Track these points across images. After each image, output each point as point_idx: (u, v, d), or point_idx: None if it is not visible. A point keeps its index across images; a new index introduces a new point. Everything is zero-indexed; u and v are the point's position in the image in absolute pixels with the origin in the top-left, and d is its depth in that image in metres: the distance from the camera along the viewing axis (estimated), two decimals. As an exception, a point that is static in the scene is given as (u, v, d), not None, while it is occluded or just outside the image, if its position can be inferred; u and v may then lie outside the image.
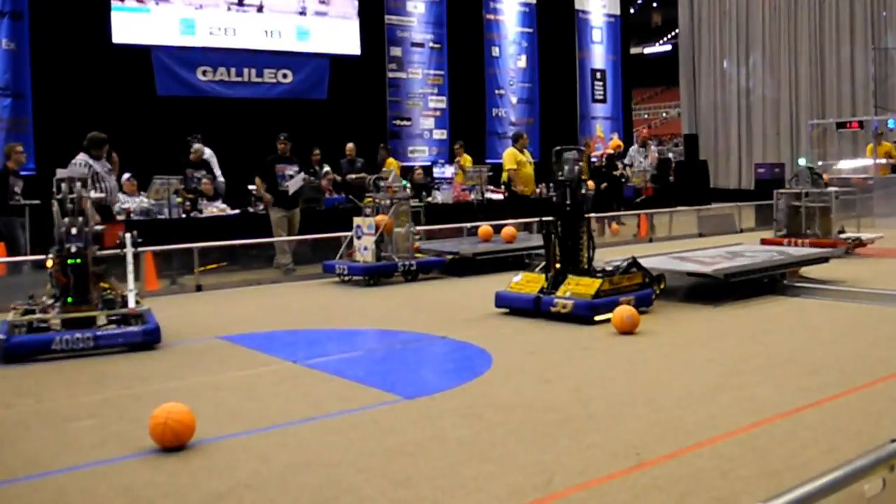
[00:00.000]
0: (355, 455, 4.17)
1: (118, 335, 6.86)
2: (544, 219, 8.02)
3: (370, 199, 10.64)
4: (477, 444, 4.31)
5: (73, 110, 13.36)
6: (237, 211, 12.51)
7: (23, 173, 11.64)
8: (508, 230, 11.69)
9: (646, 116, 25.30)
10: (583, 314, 7.33)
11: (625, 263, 7.91)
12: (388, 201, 10.50)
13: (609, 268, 7.95)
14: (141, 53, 14.97)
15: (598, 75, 22.04)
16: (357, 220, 10.56)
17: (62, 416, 5.04)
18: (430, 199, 14.11)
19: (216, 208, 12.31)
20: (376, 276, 10.20)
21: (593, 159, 17.18)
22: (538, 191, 14.11)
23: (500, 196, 14.25)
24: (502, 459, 4.08)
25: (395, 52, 18.16)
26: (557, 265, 7.87)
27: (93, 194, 7.71)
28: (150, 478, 3.97)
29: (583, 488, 3.70)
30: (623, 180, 16.33)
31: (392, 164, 14.70)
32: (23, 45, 13.87)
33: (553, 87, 20.74)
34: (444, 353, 6.68)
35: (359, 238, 10.43)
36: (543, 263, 8.09)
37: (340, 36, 17.06)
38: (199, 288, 10.20)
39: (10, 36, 13.79)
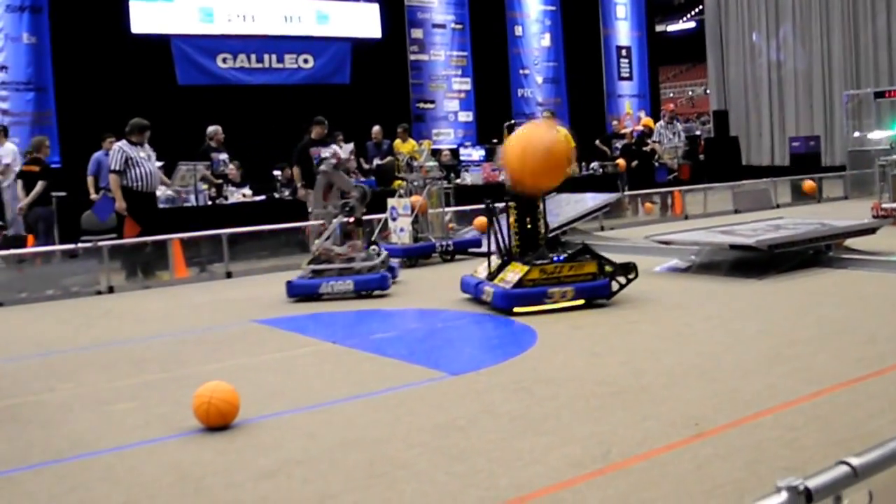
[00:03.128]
0: (405, 431, 4.07)
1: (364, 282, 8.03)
2: (488, 200, 7.34)
3: (399, 182, 10.47)
4: (529, 418, 4.19)
5: (95, 102, 13.37)
6: (263, 197, 12.43)
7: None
8: (481, 221, 10.91)
9: (671, 95, 24.96)
10: (500, 305, 6.68)
11: (572, 251, 7.07)
12: (421, 182, 10.32)
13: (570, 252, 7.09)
14: (160, 43, 14.93)
15: (624, 52, 21.74)
16: (391, 202, 10.37)
17: (103, 399, 4.99)
18: (458, 180, 13.94)
19: (241, 194, 12.22)
20: (415, 257, 10.09)
21: (622, 138, 16.95)
22: (572, 169, 13.86)
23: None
24: (557, 432, 3.96)
25: (417, 33, 17.97)
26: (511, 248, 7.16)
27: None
28: (197, 456, 3.90)
29: (643, 458, 3.58)
30: (655, 160, 15.98)
31: (399, 146, 14.16)
32: (43, 39, 13.88)
33: (578, 65, 20.48)
34: (487, 331, 6.54)
35: (394, 220, 10.24)
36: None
37: (361, 19, 16.92)
38: (229, 275, 10.15)
39: (31, 30, 13.80)
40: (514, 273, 6.78)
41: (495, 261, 7.28)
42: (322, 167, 8.46)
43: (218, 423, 4.23)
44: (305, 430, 4.16)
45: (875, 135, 17.96)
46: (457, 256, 10.41)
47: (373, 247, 8.49)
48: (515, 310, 6.60)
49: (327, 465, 3.66)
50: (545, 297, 6.64)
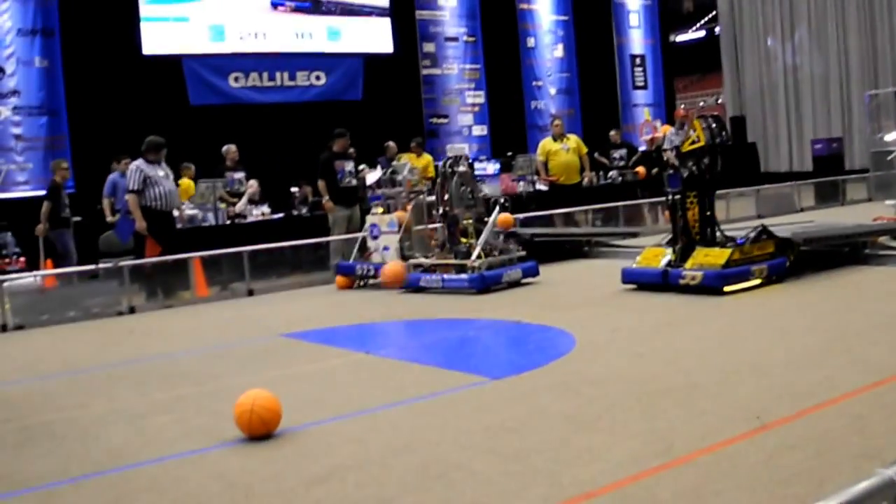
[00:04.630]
0: (454, 434, 3.94)
1: (455, 281, 8.56)
2: (670, 189, 7.79)
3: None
4: (581, 417, 4.06)
5: (109, 125, 13.29)
6: (281, 214, 12.35)
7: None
8: (504, 218, 9.89)
9: (682, 106, 24.83)
10: (713, 285, 7.12)
11: (754, 233, 7.60)
12: (404, 196, 9.61)
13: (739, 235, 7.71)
14: (172, 63, 14.88)
15: (638, 61, 21.62)
16: (372, 219, 9.66)
17: (138, 413, 4.87)
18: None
19: (260, 213, 12.14)
20: None
21: (642, 146, 16.81)
22: (586, 179, 13.78)
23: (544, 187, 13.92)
24: (613, 429, 3.84)
25: (429, 47, 17.90)
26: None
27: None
28: (243, 465, 3.78)
29: (708, 452, 3.46)
30: (669, 168, 15.81)
31: (414, 161, 13.96)
32: (55, 63, 13.82)
33: (592, 75, 20.37)
34: (522, 336, 6.41)
35: (375, 238, 9.51)
36: (669, 237, 7.98)
37: (372, 34, 16.86)
38: (250, 292, 10.03)
39: (43, 54, 13.72)
40: (714, 256, 7.30)
41: (657, 250, 7.88)
42: (460, 168, 9.03)
43: (260, 431, 4.10)
44: (352, 437, 4.04)
45: (893, 136, 17.74)
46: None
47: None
48: (726, 288, 7.09)
49: (379, 470, 3.54)
50: (749, 274, 7.23)
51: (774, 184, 16.77)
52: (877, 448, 3.34)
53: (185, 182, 11.96)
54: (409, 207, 9.57)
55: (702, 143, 7.57)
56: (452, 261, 8.81)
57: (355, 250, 9.75)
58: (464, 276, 8.54)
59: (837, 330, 5.61)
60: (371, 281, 9.47)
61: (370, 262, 9.44)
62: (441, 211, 9.16)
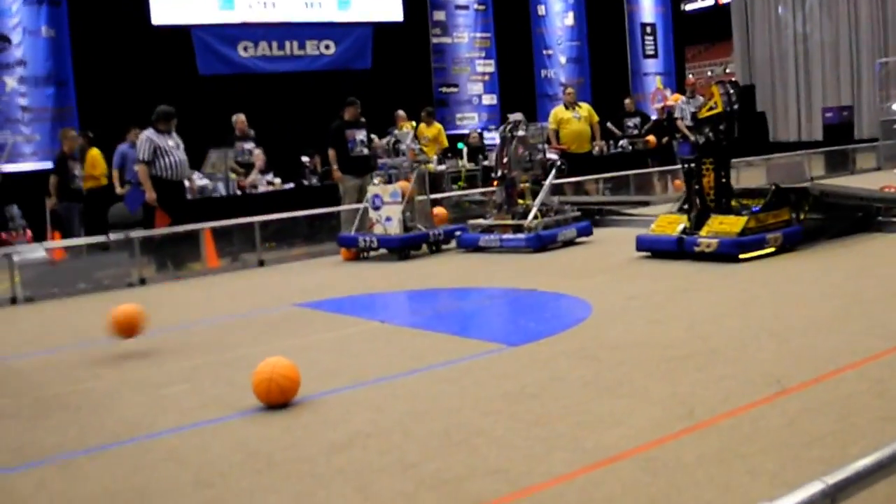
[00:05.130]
0: (474, 400, 3.93)
1: (512, 240, 8.90)
2: (685, 157, 7.82)
3: (429, 166, 10.13)
4: (602, 383, 4.05)
5: (117, 96, 13.19)
6: (291, 185, 12.29)
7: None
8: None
9: (690, 76, 24.58)
10: (728, 252, 7.15)
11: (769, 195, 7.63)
12: (408, 166, 9.50)
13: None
14: (181, 33, 14.72)
15: (648, 30, 21.36)
16: (373, 189, 9.56)
17: (153, 383, 4.86)
18: (486, 161, 13.76)
19: (266, 181, 12.06)
20: (408, 248, 9.32)
21: (653, 113, 16.67)
22: (597, 148, 13.67)
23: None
24: (633, 395, 3.82)
25: (439, 15, 17.69)
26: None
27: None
28: (263, 433, 3.77)
29: (730, 416, 3.45)
30: (677, 136, 15.69)
31: (424, 130, 13.96)
32: (62, 32, 13.66)
33: (602, 44, 20.13)
34: (538, 304, 6.38)
35: (376, 208, 9.39)
36: (681, 203, 8.00)
37: (382, 2, 16.65)
38: (261, 263, 10.01)
39: (50, 23, 13.52)
40: (730, 224, 7.31)
41: (672, 217, 7.88)
42: (519, 132, 9.31)
43: (279, 400, 4.09)
44: (371, 404, 4.03)
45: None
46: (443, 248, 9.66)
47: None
48: (741, 256, 7.11)
49: (401, 436, 3.53)
50: (764, 242, 7.26)
51: (784, 153, 16.64)
52: (900, 411, 3.32)
53: (93, 153, 11.67)
54: (412, 177, 9.46)
55: (719, 110, 7.51)
56: (510, 221, 9.13)
57: (356, 222, 9.67)
58: (521, 235, 8.87)
59: (853, 296, 5.59)
60: (374, 253, 9.43)
61: (372, 233, 9.37)
62: (500, 173, 9.43)
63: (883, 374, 3.86)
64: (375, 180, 9.63)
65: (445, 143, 14.02)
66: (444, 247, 9.61)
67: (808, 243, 7.66)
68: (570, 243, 9.05)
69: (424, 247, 9.53)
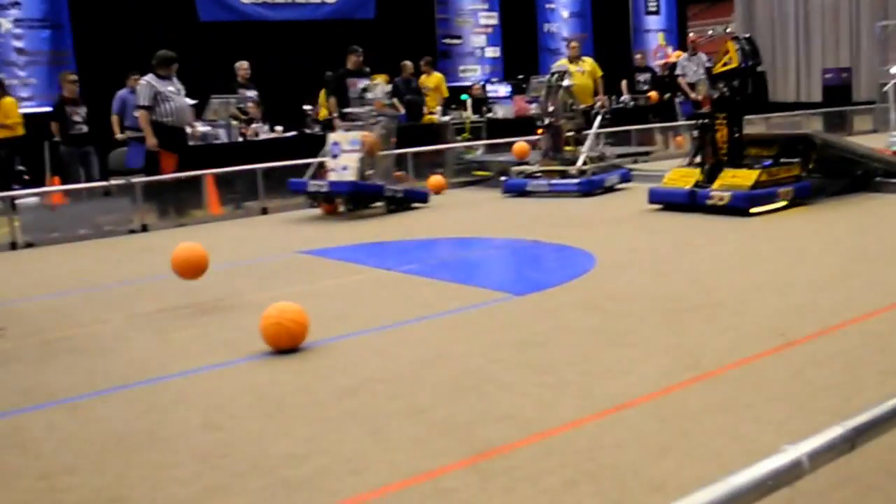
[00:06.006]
0: (483, 347, 3.97)
1: (561, 185, 9.27)
2: (700, 111, 7.96)
3: (431, 117, 10.09)
4: (609, 332, 4.09)
5: (115, 40, 12.97)
6: (293, 133, 12.22)
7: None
8: (520, 146, 11.12)
9: (690, 35, 24.36)
10: (740, 205, 7.23)
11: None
12: (370, 116, 9.11)
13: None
14: (181, -23, 14.51)
15: (651, -15, 21.15)
16: (334, 136, 9.17)
17: (160, 328, 4.89)
18: (490, 114, 13.69)
19: (268, 128, 11.97)
20: (361, 198, 8.96)
21: (656, 69, 16.55)
22: (599, 103, 13.59)
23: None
24: (640, 345, 3.87)
25: (443, -35, 17.48)
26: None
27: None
28: (271, 377, 3.81)
29: (736, 366, 3.50)
30: (678, 94, 15.56)
31: (425, 80, 13.85)
32: (57, -26, 13.45)
33: (605, -1, 19.97)
34: (542, 255, 6.42)
35: (335, 156, 8.98)
36: (691, 158, 8.11)
37: (387, -50, 16.40)
38: (264, 211, 10.00)
39: (44, -37, 13.33)
40: (742, 177, 7.37)
41: (684, 170, 7.96)
42: (565, 82, 9.69)
43: (287, 345, 4.12)
44: (380, 350, 4.06)
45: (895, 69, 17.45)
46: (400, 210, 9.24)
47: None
48: (752, 210, 7.20)
49: (411, 382, 3.57)
50: (775, 196, 7.35)
51: (783, 112, 16.59)
52: (901, 364, 3.39)
53: (6, 101, 11.08)
54: (376, 129, 9.15)
55: (734, 65, 7.51)
56: (558, 167, 9.50)
57: (311, 168, 9.33)
58: (572, 180, 9.25)
59: (853, 254, 5.66)
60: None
61: (324, 179, 9.00)
62: (546, 122, 9.78)
63: (884, 329, 3.92)
64: (338, 125, 9.41)
65: (446, 93, 13.93)
66: (415, 205, 9.27)
67: (811, 200, 7.69)
68: (609, 190, 9.47)
69: (382, 205, 9.14)
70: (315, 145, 11.42)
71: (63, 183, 10.69)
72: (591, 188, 9.17)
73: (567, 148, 9.63)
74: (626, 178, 9.75)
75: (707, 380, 3.35)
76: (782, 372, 3.40)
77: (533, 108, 13.44)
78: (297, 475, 2.75)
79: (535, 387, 3.38)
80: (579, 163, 9.35)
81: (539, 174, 9.59)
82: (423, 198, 9.53)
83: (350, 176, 8.76)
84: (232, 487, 2.70)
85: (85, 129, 10.94)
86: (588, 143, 9.58)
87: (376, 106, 9.26)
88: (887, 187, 8.26)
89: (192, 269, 5.46)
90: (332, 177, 8.93)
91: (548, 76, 9.94)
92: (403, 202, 9.22)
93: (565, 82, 9.71)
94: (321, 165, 9.23)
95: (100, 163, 11.15)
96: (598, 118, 9.80)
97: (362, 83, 10.32)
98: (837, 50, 21.78)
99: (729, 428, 2.88)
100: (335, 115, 10.88)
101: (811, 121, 15.50)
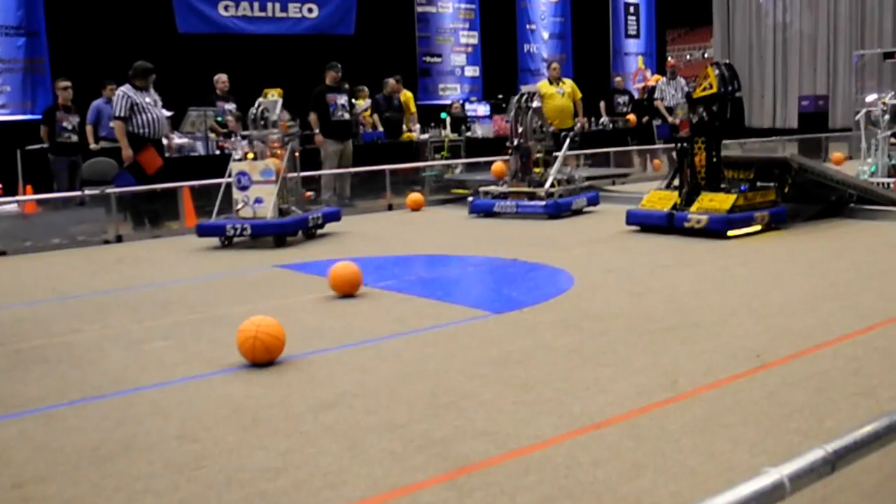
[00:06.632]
0: (461, 364, 3.97)
1: (529, 207, 9.31)
2: (679, 135, 7.99)
3: (409, 135, 10.07)
4: (586, 351, 4.11)
5: (92, 49, 12.88)
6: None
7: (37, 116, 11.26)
8: (498, 166, 11.23)
9: (669, 59, 24.68)
10: (717, 229, 7.36)
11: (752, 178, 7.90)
12: (280, 139, 8.34)
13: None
14: (161, -12, 14.49)
15: (632, 10, 21.41)
16: (241, 166, 8.27)
17: (134, 339, 4.84)
18: (469, 133, 13.76)
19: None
20: (285, 235, 8.30)
21: (635, 92, 16.72)
22: (578, 124, 13.70)
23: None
24: (617, 364, 3.88)
25: (425, -17, 17.61)
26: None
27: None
28: (248, 390, 3.78)
29: (712, 387, 3.53)
30: (657, 117, 15.76)
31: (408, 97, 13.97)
32: (34, -20, 13.36)
33: (585, 21, 20.13)
34: (520, 274, 6.42)
35: (243, 188, 8.22)
36: (669, 180, 8.21)
37: (368, -34, 16.49)
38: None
39: (20, -30, 13.21)
40: (719, 201, 7.50)
41: (662, 193, 8.06)
42: (534, 103, 9.70)
43: (264, 358, 4.10)
44: (356, 365, 4.05)
45: (872, 97, 17.74)
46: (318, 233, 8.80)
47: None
48: (730, 233, 7.34)
49: (388, 397, 3.56)
50: (752, 220, 7.50)
51: (759, 138, 16.82)
52: (871, 387, 3.47)
53: None
54: (284, 153, 8.33)
55: (714, 90, 7.61)
56: (525, 188, 9.54)
57: (217, 204, 8.56)
58: (539, 202, 9.30)
59: (828, 278, 5.74)
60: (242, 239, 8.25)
61: (241, 219, 8.21)
62: (515, 143, 9.80)
63: (857, 352, 3.97)
64: (236, 155, 8.40)
65: (413, 110, 14.01)
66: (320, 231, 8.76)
67: (786, 224, 7.82)
68: (576, 213, 9.49)
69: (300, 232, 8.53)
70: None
71: (48, 191, 10.56)
72: (557, 211, 9.22)
73: (536, 170, 9.66)
74: (593, 201, 9.81)
75: (683, 400, 3.37)
76: (758, 393, 3.43)
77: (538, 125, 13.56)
78: (273, 488, 2.73)
79: (513, 404, 3.39)
80: (547, 185, 9.39)
81: (507, 195, 9.64)
82: (336, 216, 9.08)
83: (267, 210, 8.12)
84: (207, 500, 2.68)
85: (75, 137, 10.79)
86: (556, 165, 9.60)
87: (282, 128, 8.41)
88: (861, 213, 8.41)
89: (348, 286, 5.68)
90: (247, 212, 8.22)
91: (517, 97, 9.96)
92: (321, 226, 8.75)
93: (534, 103, 9.74)
94: (228, 197, 8.46)
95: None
96: (567, 141, 9.84)
97: (341, 98, 10.35)
98: (815, 78, 22.14)
99: (704, 447, 2.90)
100: (316, 130, 10.91)
101: (787, 146, 15.72)
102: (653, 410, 3.25)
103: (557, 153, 9.86)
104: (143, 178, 9.40)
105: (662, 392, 3.46)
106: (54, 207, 10.12)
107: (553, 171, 9.53)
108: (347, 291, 5.64)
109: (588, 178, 10.85)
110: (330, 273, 5.68)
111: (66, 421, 3.52)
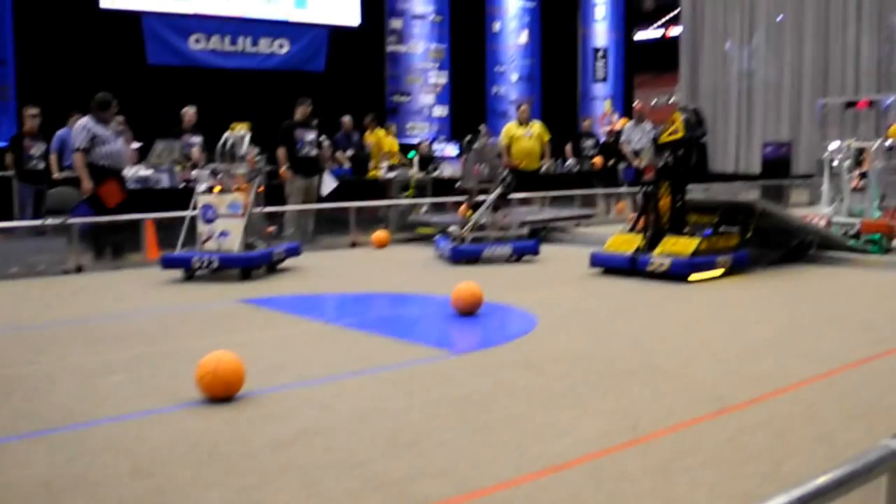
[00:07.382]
0: (421, 404, 3.94)
1: (440, 246, 9.24)
2: (644, 179, 8.07)
3: (375, 172, 10.00)
4: (547, 393, 4.10)
5: (59, 78, 12.85)
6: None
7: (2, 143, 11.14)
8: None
9: (636, 103, 25.13)
10: (680, 272, 7.40)
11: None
12: (243, 174, 8.31)
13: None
14: (130, 19, 14.46)
15: (601, 54, 21.76)
16: (205, 199, 8.30)
17: (90, 371, 4.74)
18: (436, 172, 13.81)
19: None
20: (251, 268, 8.31)
21: (601, 136, 16.92)
22: (545, 166, 13.83)
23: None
24: (579, 406, 3.88)
25: (396, 24, 17.73)
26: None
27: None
28: (205, 426, 3.72)
29: (672, 431, 3.53)
30: (622, 164, 15.88)
31: (367, 136, 14.05)
32: (4, 9, 13.25)
33: (554, 64, 20.43)
34: (482, 314, 6.37)
35: (209, 222, 8.25)
36: (633, 224, 8.26)
37: (340, 5, 16.62)
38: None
39: (-12, -1, 13.17)
40: (682, 245, 7.57)
41: (626, 236, 8.09)
42: (475, 146, 9.51)
43: (222, 393, 4.04)
44: (316, 402, 4.00)
45: (835, 144, 18.12)
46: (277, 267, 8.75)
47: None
48: (691, 277, 7.39)
49: (347, 435, 3.52)
50: (714, 264, 7.56)
51: (722, 182, 17.09)
52: (829, 432, 3.51)
53: None
54: (251, 188, 8.34)
55: (680, 135, 7.71)
56: (457, 231, 9.36)
57: (182, 237, 8.51)
58: (448, 245, 9.08)
59: (788, 323, 5.82)
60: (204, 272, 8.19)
61: (207, 251, 8.18)
62: (457, 185, 9.85)
63: (815, 397, 4.02)
64: (200, 187, 8.42)
65: (387, 148, 14.08)
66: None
67: (748, 269, 7.91)
68: (514, 260, 9.07)
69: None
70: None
71: (9, 220, 10.37)
72: (456, 256, 8.86)
73: (467, 213, 9.43)
74: (525, 250, 9.15)
75: (644, 443, 3.37)
76: (718, 436, 3.44)
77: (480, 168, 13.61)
78: (226, 528, 2.68)
79: (472, 444, 3.36)
80: (465, 228, 9.13)
81: (456, 238, 9.31)
82: (296, 251, 9.02)
83: (234, 243, 8.12)
84: (158, 539, 2.61)
85: (42, 165, 10.68)
86: (480, 210, 9.21)
87: (249, 163, 8.40)
88: (821, 259, 8.56)
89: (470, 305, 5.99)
90: (211, 245, 8.21)
91: (467, 138, 9.83)
92: (282, 261, 8.72)
93: (475, 145, 9.59)
94: (193, 230, 8.45)
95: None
96: (500, 188, 9.32)
97: (310, 135, 10.30)
98: (778, 125, 22.57)
99: (663, 491, 2.90)
100: (284, 166, 10.87)
101: (750, 192, 15.95)
102: (613, 453, 3.25)
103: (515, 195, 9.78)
104: (102, 211, 9.30)
105: (624, 434, 3.45)
106: (14, 236, 9.95)
107: (476, 215, 9.20)
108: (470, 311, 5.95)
109: (552, 220, 10.89)
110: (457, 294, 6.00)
111: (16, 454, 3.44)
